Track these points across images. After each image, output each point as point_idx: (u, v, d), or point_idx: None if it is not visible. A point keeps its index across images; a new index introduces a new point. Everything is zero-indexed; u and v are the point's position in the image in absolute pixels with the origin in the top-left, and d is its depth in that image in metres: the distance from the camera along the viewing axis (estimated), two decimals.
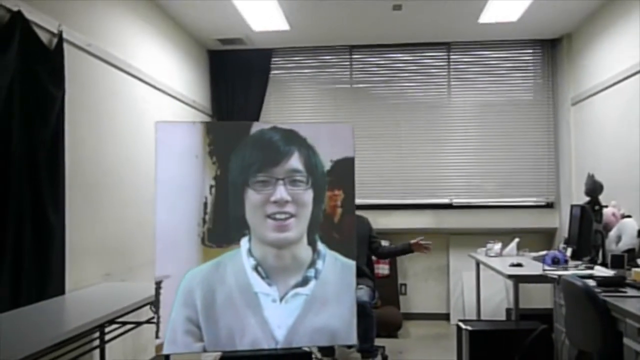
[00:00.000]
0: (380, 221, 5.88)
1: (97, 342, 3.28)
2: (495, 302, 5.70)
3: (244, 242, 2.34)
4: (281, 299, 2.34)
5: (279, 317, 2.32)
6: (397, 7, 4.90)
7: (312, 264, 2.38)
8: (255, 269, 2.33)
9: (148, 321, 3.34)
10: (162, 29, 4.87)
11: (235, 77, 6.08)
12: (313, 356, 2.38)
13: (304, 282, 2.36)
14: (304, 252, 2.38)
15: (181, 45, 5.34)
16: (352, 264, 2.42)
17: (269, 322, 2.31)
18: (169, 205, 2.31)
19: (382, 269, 5.92)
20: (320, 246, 2.38)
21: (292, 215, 2.35)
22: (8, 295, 2.76)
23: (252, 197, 2.33)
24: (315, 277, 2.37)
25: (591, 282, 3.12)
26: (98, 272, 3.71)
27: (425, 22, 5.38)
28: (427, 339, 5.37)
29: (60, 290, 3.18)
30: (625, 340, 2.54)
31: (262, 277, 2.34)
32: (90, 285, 3.55)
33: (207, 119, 5.95)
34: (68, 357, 2.71)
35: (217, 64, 6.12)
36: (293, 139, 2.38)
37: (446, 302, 6.08)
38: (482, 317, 5.39)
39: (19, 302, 2.81)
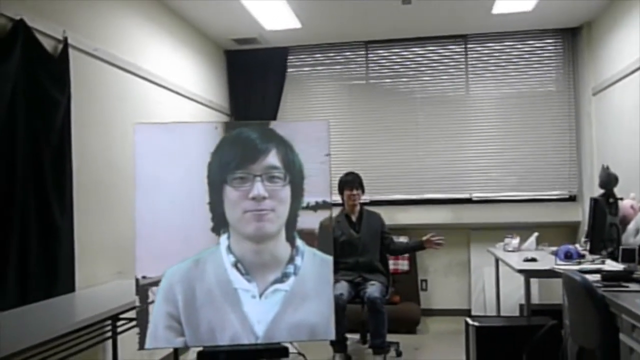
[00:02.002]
0: (398, 217, 5.85)
1: (105, 336, 3.37)
2: (517, 297, 5.55)
3: (223, 239, 2.36)
4: (260, 295, 2.34)
5: (259, 312, 2.32)
6: (407, 1, 4.83)
7: (291, 260, 2.37)
8: (235, 265, 2.35)
9: None
10: (174, 30, 4.95)
11: (252, 76, 6.12)
12: (292, 350, 2.37)
13: (283, 278, 2.36)
14: (283, 248, 2.37)
15: (195, 46, 5.41)
16: (329, 259, 2.40)
17: (249, 318, 2.32)
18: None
19: (402, 264, 5.86)
20: (299, 242, 2.38)
21: (270, 211, 2.36)
22: (15, 295, 2.85)
23: (230, 194, 2.35)
24: (295, 273, 2.36)
25: (597, 277, 3.01)
26: (110, 271, 3.79)
27: (437, 15, 5.28)
28: (445, 335, 5.28)
29: (70, 289, 3.27)
30: (621, 336, 2.44)
31: (242, 274, 2.35)
32: (101, 284, 3.65)
33: (225, 118, 6.01)
34: (74, 350, 2.80)
35: (234, 64, 6.18)
36: (270, 137, 2.38)
37: (467, 298, 5.97)
38: (503, 313, 5.27)
39: (27, 301, 2.90)
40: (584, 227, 5.25)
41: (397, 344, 4.57)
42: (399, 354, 4.52)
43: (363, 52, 6.13)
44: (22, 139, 2.96)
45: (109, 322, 3.26)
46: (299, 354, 2.46)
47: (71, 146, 3.30)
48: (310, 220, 2.41)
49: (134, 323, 3.30)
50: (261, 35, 5.60)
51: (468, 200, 5.92)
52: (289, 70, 6.19)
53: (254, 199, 2.33)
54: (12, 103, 2.91)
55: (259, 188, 2.33)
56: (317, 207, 2.41)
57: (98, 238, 3.68)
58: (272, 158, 2.36)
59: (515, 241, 4.89)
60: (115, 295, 3.28)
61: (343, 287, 4.21)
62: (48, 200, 3.11)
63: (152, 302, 2.38)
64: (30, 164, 3.01)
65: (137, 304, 2.33)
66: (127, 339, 3.59)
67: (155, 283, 2.36)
